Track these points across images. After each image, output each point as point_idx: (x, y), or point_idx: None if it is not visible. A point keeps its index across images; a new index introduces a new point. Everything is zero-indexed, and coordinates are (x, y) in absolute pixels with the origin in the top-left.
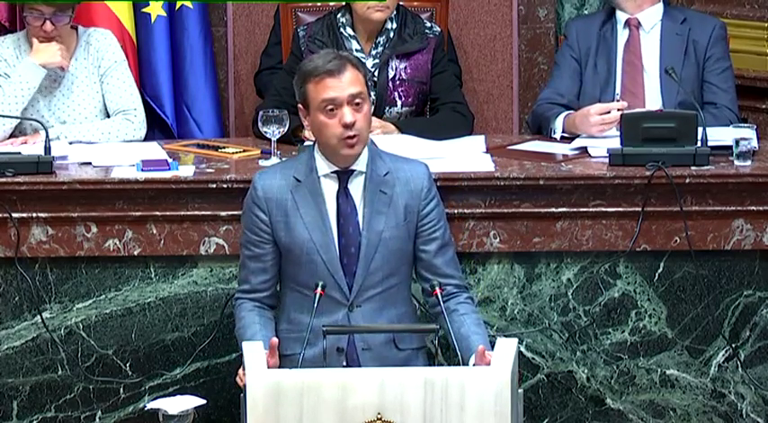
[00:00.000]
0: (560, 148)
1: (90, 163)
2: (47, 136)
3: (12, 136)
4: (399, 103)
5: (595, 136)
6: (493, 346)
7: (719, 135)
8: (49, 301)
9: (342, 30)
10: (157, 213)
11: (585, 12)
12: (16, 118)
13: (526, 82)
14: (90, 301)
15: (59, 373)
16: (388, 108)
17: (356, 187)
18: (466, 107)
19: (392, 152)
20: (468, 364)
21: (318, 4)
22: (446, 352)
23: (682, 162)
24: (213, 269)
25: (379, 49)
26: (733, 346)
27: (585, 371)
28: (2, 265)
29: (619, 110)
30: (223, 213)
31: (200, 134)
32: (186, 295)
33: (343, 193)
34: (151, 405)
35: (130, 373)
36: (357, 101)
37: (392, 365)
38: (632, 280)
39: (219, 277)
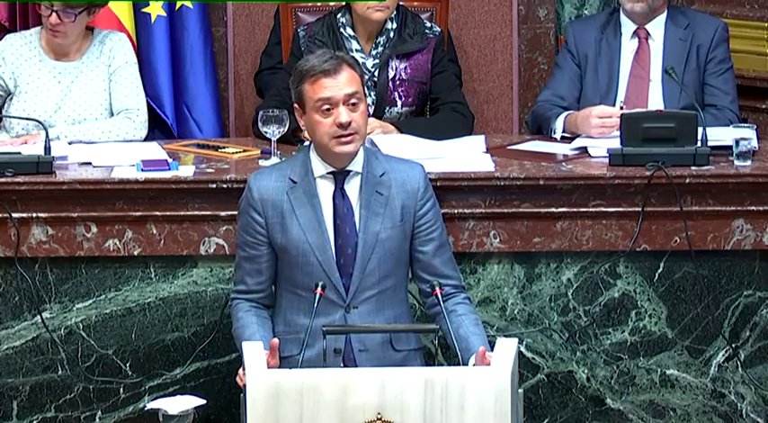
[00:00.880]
0: (560, 148)
1: (90, 163)
2: (47, 136)
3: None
4: (399, 103)
5: (593, 137)
6: (493, 346)
7: (719, 135)
8: (49, 301)
9: (342, 30)
10: (157, 213)
11: (586, 12)
12: (16, 118)
13: (526, 82)
14: (90, 301)
15: (59, 373)
16: (388, 108)
17: (352, 188)
18: (466, 107)
19: (391, 152)
20: (467, 365)
21: (318, 4)
22: (446, 352)
23: (682, 162)
24: (213, 269)
25: (379, 49)
26: (733, 346)
27: (585, 371)
28: (2, 265)
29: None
30: (223, 213)
31: (200, 134)
32: (186, 295)
33: (340, 195)
34: (151, 405)
35: (130, 373)
36: (353, 100)
37: (389, 366)
38: (632, 280)
39: (219, 277)
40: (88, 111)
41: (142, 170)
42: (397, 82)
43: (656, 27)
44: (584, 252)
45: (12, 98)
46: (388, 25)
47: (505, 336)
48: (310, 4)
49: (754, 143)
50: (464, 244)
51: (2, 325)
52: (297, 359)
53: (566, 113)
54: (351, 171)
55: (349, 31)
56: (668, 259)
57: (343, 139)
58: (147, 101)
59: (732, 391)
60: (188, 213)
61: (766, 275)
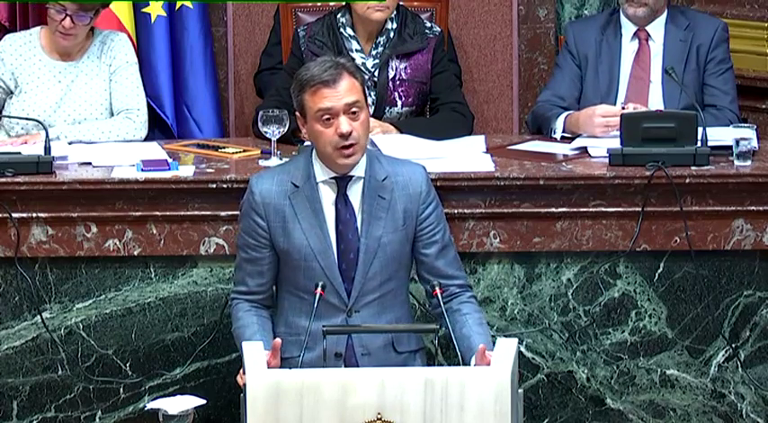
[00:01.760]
0: (560, 148)
1: (90, 163)
2: (47, 136)
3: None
4: (399, 103)
5: (596, 136)
6: (493, 347)
7: (719, 135)
8: (49, 301)
9: (342, 30)
10: (157, 213)
11: (586, 12)
12: (16, 118)
13: (526, 82)
14: (90, 301)
15: (59, 373)
16: (388, 108)
17: (355, 193)
18: (466, 107)
19: (392, 153)
20: (468, 364)
21: (318, 4)
22: (446, 352)
23: (682, 162)
24: (213, 269)
25: (380, 49)
26: (733, 346)
27: (585, 371)
28: (2, 265)
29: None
30: (223, 213)
31: (200, 134)
32: (186, 295)
33: (342, 200)
34: (151, 405)
35: (130, 373)
36: (353, 110)
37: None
38: (632, 280)
39: (219, 277)
40: (88, 111)
41: (142, 170)
42: (397, 82)
43: (657, 28)
44: (584, 252)
45: (11, 98)
46: (388, 25)
47: (505, 336)
48: (310, 4)
49: (754, 143)
50: (464, 244)
51: (2, 325)
52: (297, 361)
53: (566, 113)
54: (353, 176)
55: (349, 31)
56: (668, 259)
57: (345, 152)
58: (147, 101)
59: (732, 391)
60: (188, 213)
61: (766, 275)
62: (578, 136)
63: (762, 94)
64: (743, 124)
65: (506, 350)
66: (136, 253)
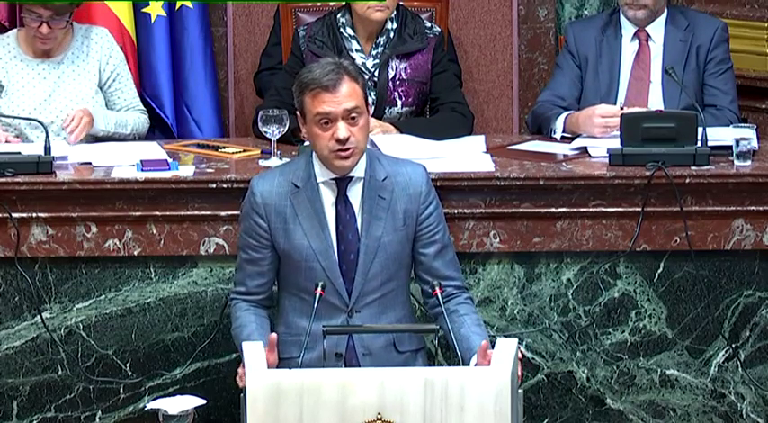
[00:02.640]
0: (560, 148)
1: (90, 163)
2: (47, 136)
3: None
4: (399, 103)
5: (596, 136)
6: (493, 347)
7: (719, 135)
8: (49, 301)
9: (342, 30)
10: (157, 213)
11: (586, 12)
12: (16, 118)
13: (526, 82)
14: (90, 301)
15: (59, 373)
16: (388, 108)
17: (355, 194)
18: (466, 107)
19: (392, 153)
20: (468, 365)
21: (318, 4)
22: (446, 352)
23: (682, 162)
24: (213, 269)
25: (380, 49)
26: (733, 346)
27: (585, 371)
28: (2, 265)
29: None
30: (223, 213)
31: (200, 134)
32: (186, 295)
33: (342, 200)
34: (151, 405)
35: (130, 373)
36: (353, 115)
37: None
38: (632, 280)
39: (219, 277)
40: (79, 106)
41: (142, 170)
42: (397, 82)
43: (657, 28)
44: (585, 252)
45: None
46: (388, 25)
47: (505, 336)
48: (310, 4)
49: (754, 143)
50: (464, 244)
51: (2, 325)
52: (297, 361)
53: (566, 113)
54: (353, 177)
55: (349, 31)
56: (668, 259)
57: (342, 154)
58: (146, 100)
59: (732, 391)
60: (188, 213)
61: (766, 275)
62: (578, 136)
63: (762, 94)
64: (743, 124)
65: (506, 350)
66: (136, 253)
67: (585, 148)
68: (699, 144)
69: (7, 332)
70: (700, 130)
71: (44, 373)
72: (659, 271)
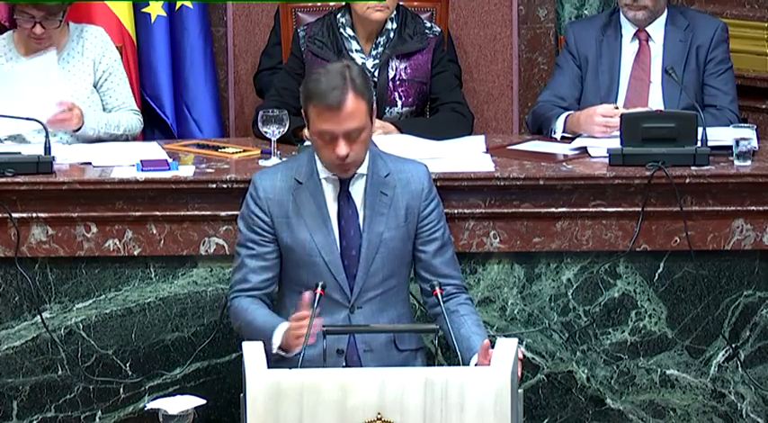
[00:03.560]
0: (560, 148)
1: (90, 163)
2: (46, 135)
3: None
4: (399, 103)
5: (596, 136)
6: (493, 347)
7: (719, 135)
8: (49, 301)
9: (342, 30)
10: (157, 213)
11: (586, 12)
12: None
13: (526, 82)
14: (90, 301)
15: (59, 373)
16: (388, 108)
17: (357, 189)
18: (466, 107)
19: (392, 152)
20: (468, 365)
21: (318, 4)
22: (446, 352)
23: (682, 162)
24: (213, 269)
25: (380, 49)
26: (733, 346)
27: (585, 371)
28: (2, 265)
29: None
30: (223, 213)
31: (200, 134)
32: (186, 295)
33: (345, 196)
34: (151, 405)
35: (130, 373)
36: (354, 134)
37: (392, 366)
38: (632, 280)
39: (219, 277)
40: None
41: (142, 170)
42: (398, 82)
43: (657, 29)
44: (585, 252)
45: None
46: (388, 25)
47: (505, 336)
48: (310, 4)
49: (754, 143)
50: (464, 244)
51: (2, 325)
52: (296, 359)
53: (566, 114)
54: (356, 173)
55: (349, 31)
56: (668, 259)
57: (342, 166)
58: (146, 100)
59: (732, 391)
60: (188, 213)
61: (766, 275)
62: (578, 136)
63: (762, 94)
64: (743, 124)
65: (506, 350)
66: (136, 253)
67: (585, 148)
68: (699, 144)
69: (7, 332)
70: (700, 130)
71: (44, 373)
72: (659, 271)
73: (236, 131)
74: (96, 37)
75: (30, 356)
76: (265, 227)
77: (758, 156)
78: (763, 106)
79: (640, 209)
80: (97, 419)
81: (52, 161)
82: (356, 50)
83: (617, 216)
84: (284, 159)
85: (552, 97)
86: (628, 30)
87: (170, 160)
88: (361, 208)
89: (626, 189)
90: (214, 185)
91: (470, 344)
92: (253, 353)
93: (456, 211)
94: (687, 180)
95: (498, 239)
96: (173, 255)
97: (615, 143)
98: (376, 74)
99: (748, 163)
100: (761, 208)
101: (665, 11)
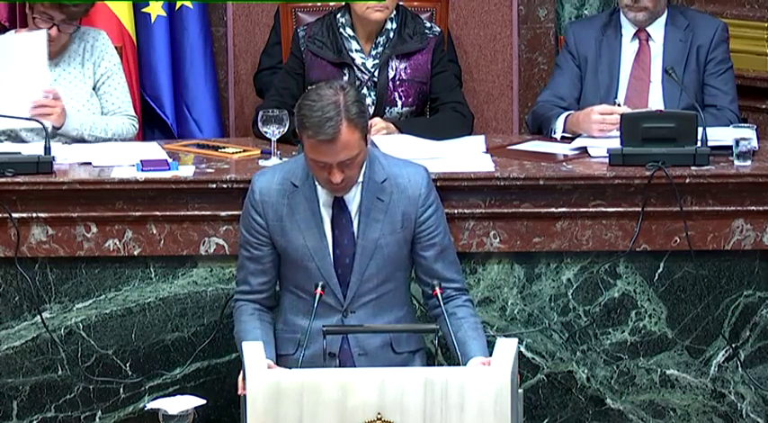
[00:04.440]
0: (560, 148)
1: (90, 163)
2: (46, 136)
3: None
4: (399, 103)
5: (595, 136)
6: (493, 346)
7: (719, 135)
8: (49, 301)
9: (342, 30)
10: (157, 213)
11: (586, 12)
12: (16, 118)
13: (526, 82)
14: (90, 301)
15: (59, 373)
16: (388, 108)
17: (352, 196)
18: (466, 107)
19: (391, 152)
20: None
21: (318, 4)
22: (446, 352)
23: (682, 162)
24: (213, 269)
25: (379, 49)
26: (733, 346)
27: (585, 371)
28: (2, 265)
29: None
30: (223, 213)
31: (200, 134)
32: (186, 295)
33: (338, 204)
34: (151, 405)
35: (130, 373)
36: (348, 162)
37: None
38: (632, 280)
39: (219, 277)
40: (75, 108)
41: (142, 170)
42: (397, 82)
43: (657, 28)
44: (585, 252)
45: None
46: (388, 25)
47: (505, 336)
48: (310, 4)
49: (754, 143)
50: (464, 244)
51: (2, 325)
52: (293, 359)
53: (566, 113)
54: None
55: (349, 31)
56: (668, 259)
57: (336, 188)
58: (146, 100)
59: (732, 391)
60: (188, 213)
61: (766, 275)
62: (578, 136)
63: (762, 94)
64: (743, 124)
65: (506, 350)
66: (136, 253)
67: (585, 148)
68: (699, 144)
69: (7, 332)
70: (700, 130)
71: (44, 373)
72: (659, 271)
73: (236, 131)
74: (98, 40)
75: (30, 356)
76: (261, 230)
77: (758, 156)
78: (763, 106)
79: (640, 209)
80: (97, 419)
81: (52, 161)
82: (356, 50)
83: (617, 216)
84: (284, 159)
85: (552, 97)
86: (628, 29)
87: (170, 160)
88: (356, 214)
89: (626, 189)
90: (214, 185)
91: (466, 348)
92: (253, 353)
93: (456, 211)
94: (687, 180)
95: (498, 239)
96: (173, 255)
97: (615, 143)
98: (376, 74)
99: (748, 163)
100: (761, 208)
101: (666, 11)
